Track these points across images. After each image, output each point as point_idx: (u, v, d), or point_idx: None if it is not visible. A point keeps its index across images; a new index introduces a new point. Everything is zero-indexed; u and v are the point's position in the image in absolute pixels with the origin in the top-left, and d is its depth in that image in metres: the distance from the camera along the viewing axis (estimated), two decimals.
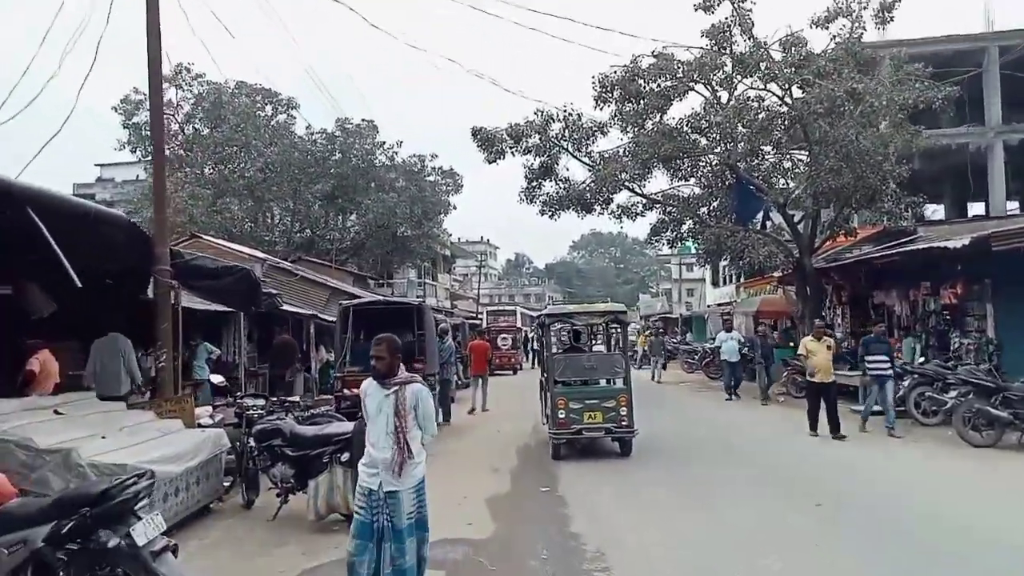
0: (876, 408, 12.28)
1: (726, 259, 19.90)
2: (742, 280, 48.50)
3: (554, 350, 12.35)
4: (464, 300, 59.62)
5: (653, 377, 25.86)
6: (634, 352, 36.33)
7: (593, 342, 15.64)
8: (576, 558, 5.99)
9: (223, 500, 8.11)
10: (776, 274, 24.55)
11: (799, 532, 6.53)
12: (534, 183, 22.74)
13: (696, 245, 23.83)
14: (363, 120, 36.17)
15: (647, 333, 40.35)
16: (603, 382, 11.16)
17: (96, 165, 54.00)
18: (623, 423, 10.40)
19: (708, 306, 54.48)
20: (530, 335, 34.84)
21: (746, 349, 19.86)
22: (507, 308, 47.24)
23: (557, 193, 22.51)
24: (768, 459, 10.40)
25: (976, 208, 34.12)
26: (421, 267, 43.43)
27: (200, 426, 8.08)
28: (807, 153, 19.21)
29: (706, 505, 7.68)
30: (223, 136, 30.94)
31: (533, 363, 33.64)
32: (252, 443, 7.49)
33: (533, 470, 9.98)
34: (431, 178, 36.96)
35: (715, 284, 58.09)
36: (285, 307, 17.76)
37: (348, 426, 6.97)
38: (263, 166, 31.22)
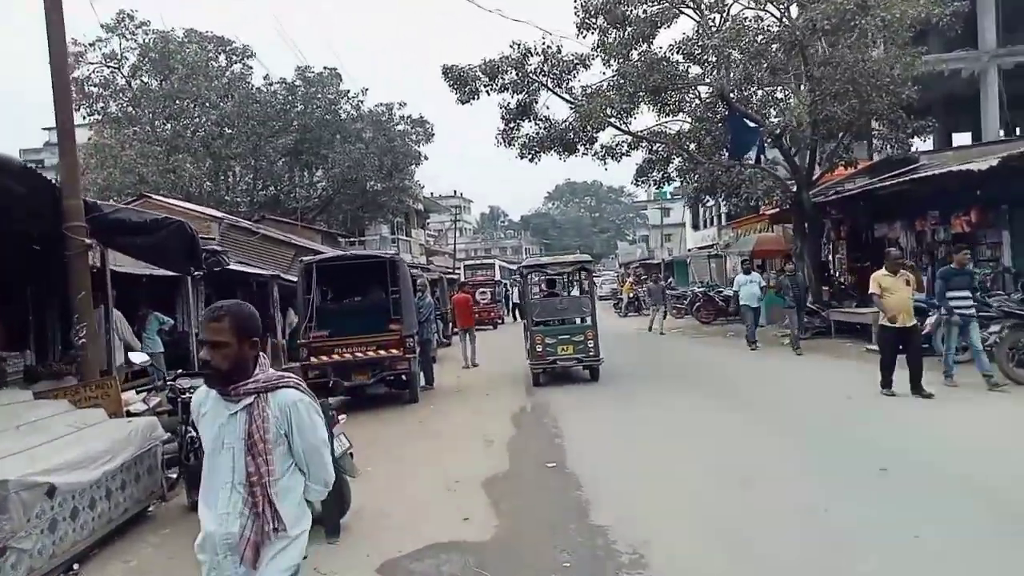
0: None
1: (721, 196, 18.51)
2: (725, 221, 47.57)
3: (533, 297, 14.61)
4: (440, 255, 58.04)
5: (651, 328, 22.91)
6: (619, 300, 35.34)
7: (568, 290, 17.22)
8: (609, 566, 4.68)
9: (166, 499, 6.71)
10: (770, 211, 23.31)
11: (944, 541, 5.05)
12: (512, 124, 21.10)
13: (686, 183, 22.38)
14: (325, 68, 33.94)
15: (630, 280, 39.23)
16: (576, 320, 13.25)
17: (44, 129, 50.73)
18: (591, 353, 12.47)
19: (689, 250, 53.46)
20: (510, 288, 34.44)
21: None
22: (485, 261, 45.84)
23: (537, 134, 20.91)
24: (861, 430, 7.82)
25: (961, 139, 32.98)
26: (394, 223, 41.63)
27: (129, 415, 6.61)
28: (806, 79, 17.75)
29: (764, 487, 6.41)
30: (172, 88, 28.60)
31: (514, 317, 32.30)
32: (192, 432, 6.06)
33: (533, 440, 8.67)
34: (400, 127, 34.94)
35: (695, 227, 56.95)
36: (247, 268, 16.23)
37: None
38: (218, 120, 29.04)
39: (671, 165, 22.25)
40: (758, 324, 17.26)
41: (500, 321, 32.74)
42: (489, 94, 20.19)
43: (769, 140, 19.11)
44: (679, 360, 15.80)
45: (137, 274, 11.82)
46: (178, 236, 7.44)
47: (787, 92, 19.34)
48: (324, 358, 10.80)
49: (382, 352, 10.91)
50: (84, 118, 30.39)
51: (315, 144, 33.39)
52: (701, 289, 26.61)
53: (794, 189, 19.12)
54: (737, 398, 10.43)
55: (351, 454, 5.86)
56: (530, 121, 21.08)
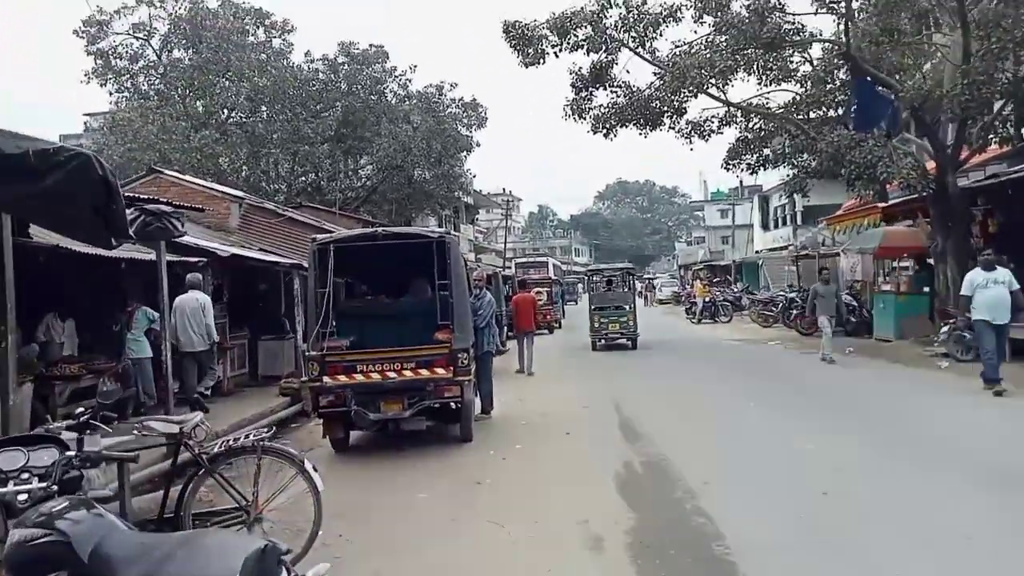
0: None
1: (851, 173, 14.74)
2: (801, 220, 43.27)
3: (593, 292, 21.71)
4: (488, 253, 55.06)
5: (822, 356, 14.53)
6: (691, 304, 31.78)
7: (624, 289, 21.62)
8: None
9: None
10: (882, 203, 19.46)
11: None
12: (584, 92, 17.78)
13: (795, 163, 18.64)
14: (371, 45, 31.10)
15: (702, 283, 35.53)
16: (624, 307, 20.08)
17: (85, 115, 49.27)
18: (630, 329, 19.41)
19: (757, 251, 49.29)
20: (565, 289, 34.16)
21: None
22: (538, 259, 42.49)
23: (613, 104, 17.54)
24: None
25: None
26: (441, 215, 38.69)
27: None
28: (960, 28, 13.99)
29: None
30: (200, 59, 25.98)
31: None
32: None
33: (646, 483, 5.38)
34: (451, 110, 31.89)
35: (765, 227, 52.72)
36: (264, 256, 13.25)
37: (234, 556, 2.27)
38: (251, 95, 26.32)
39: (769, 145, 18.68)
40: (1003, 354, 10.56)
41: (557, 325, 29.38)
42: (558, 55, 16.93)
43: (906, 111, 15.46)
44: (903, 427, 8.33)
45: (134, 259, 8.98)
46: (81, 179, 4.28)
47: (932, 47, 15.58)
48: (343, 378, 7.62)
49: (424, 372, 7.70)
50: (110, 94, 28.11)
51: (359, 127, 30.60)
52: (795, 293, 22.79)
53: (932, 172, 15.38)
54: None
55: None
56: (606, 89, 17.73)
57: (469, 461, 7.61)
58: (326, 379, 7.63)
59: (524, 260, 43.99)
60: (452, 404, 7.99)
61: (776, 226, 50.05)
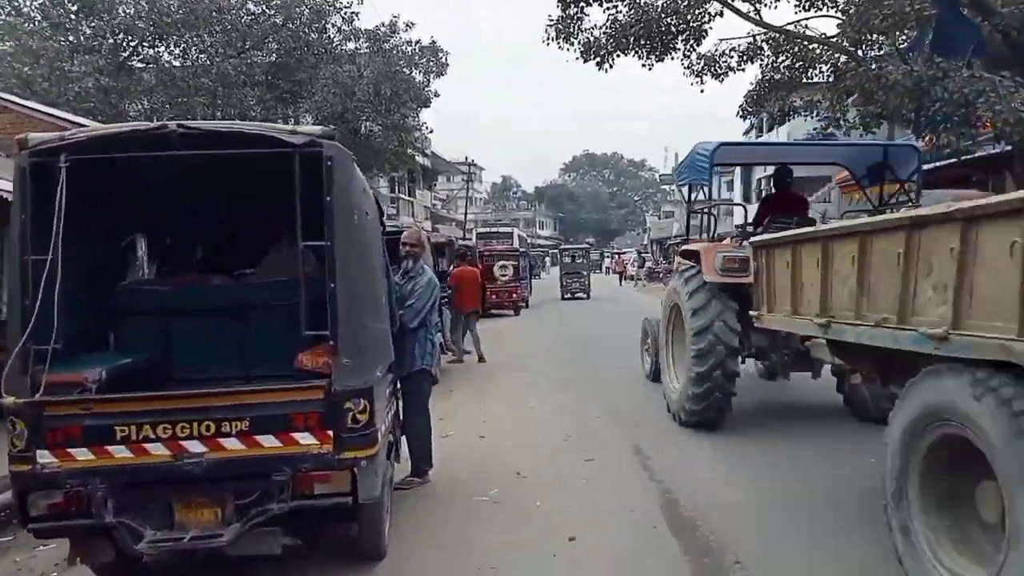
0: None
1: (937, 114, 10.82)
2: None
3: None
4: (447, 223, 50.73)
5: None
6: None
7: (583, 260, 34.87)
8: None
9: None
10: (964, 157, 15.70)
11: None
12: (574, 7, 13.53)
13: (839, 104, 14.55)
14: None
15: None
16: (581, 273, 32.33)
17: None
18: (586, 287, 31.42)
19: (738, 225, 45.66)
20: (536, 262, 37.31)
21: None
22: (502, 229, 38.22)
23: (613, 22, 13.33)
24: None
25: None
26: (393, 177, 34.12)
27: None
28: None
29: None
30: None
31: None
32: None
33: None
34: (405, 49, 27.20)
35: (747, 200, 49.09)
36: None
37: None
38: (154, 19, 21.27)
39: (804, 85, 14.71)
40: None
41: (524, 305, 25.28)
42: None
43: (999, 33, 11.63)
44: None
45: None
46: None
47: None
48: (84, 454, 3.40)
49: (270, 442, 3.51)
50: None
51: (296, 70, 25.81)
52: None
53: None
54: None
55: None
56: (602, 4, 13.50)
57: None
58: (45, 457, 3.38)
59: (486, 230, 39.66)
60: (341, 504, 3.75)
61: (759, 198, 46.58)
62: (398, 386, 5.34)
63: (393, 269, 5.64)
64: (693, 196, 8.30)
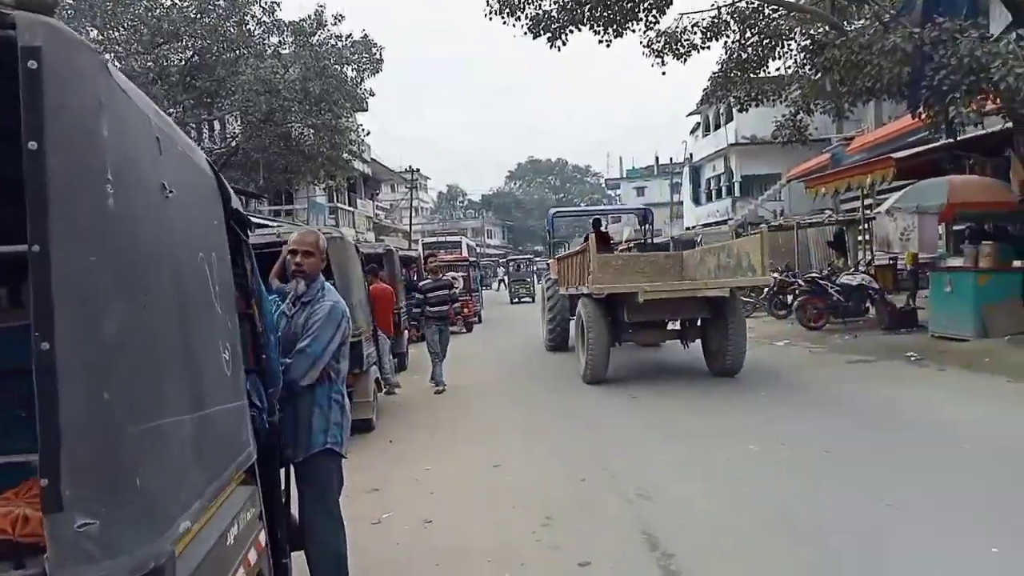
0: None
1: (942, 83, 9.25)
2: (740, 192, 38.73)
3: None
4: (392, 234, 48.47)
5: None
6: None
7: (528, 268, 43.11)
8: None
9: None
10: (898, 155, 14.41)
11: None
12: None
13: (812, 79, 13.01)
14: None
15: None
16: (525, 280, 39.27)
17: None
18: (531, 292, 35.83)
19: (689, 228, 44.48)
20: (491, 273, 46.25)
21: None
22: (450, 238, 36.24)
23: None
24: None
25: None
26: (332, 187, 31.80)
27: None
28: None
29: None
30: None
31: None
32: None
33: None
34: (335, 43, 25.03)
35: (696, 201, 48.16)
36: None
37: None
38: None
39: (772, 63, 13.19)
40: None
41: (476, 320, 23.31)
42: None
43: None
44: None
45: None
46: None
47: None
48: None
49: None
50: None
51: (212, 67, 23.48)
52: (800, 275, 17.68)
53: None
54: None
55: None
56: None
57: None
58: None
59: (433, 240, 37.59)
60: None
61: (710, 199, 45.58)
62: (288, 474, 3.36)
63: (279, 295, 3.71)
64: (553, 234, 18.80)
